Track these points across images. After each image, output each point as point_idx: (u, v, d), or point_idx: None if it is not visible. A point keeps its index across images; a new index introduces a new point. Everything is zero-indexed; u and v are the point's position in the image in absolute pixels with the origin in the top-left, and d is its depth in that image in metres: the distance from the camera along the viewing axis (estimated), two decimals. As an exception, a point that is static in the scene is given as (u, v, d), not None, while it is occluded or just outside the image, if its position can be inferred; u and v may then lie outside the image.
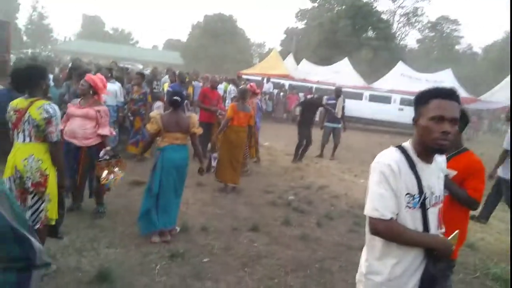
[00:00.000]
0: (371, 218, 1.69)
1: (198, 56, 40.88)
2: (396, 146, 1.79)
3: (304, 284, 3.53)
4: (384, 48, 32.73)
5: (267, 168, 7.93)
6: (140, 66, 26.14)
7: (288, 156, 9.26)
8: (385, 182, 1.66)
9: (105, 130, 4.40)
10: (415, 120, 1.76)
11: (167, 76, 11.09)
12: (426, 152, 1.74)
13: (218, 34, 42.15)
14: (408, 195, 1.68)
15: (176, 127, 4.10)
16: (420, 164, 1.73)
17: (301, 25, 44.64)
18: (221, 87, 12.83)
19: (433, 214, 1.76)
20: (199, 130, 4.26)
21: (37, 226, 3.03)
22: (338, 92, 9.44)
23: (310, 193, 6.51)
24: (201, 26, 44.73)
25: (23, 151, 3.01)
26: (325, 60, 28.10)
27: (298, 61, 25.19)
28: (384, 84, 20.96)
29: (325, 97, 9.97)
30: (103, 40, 55.41)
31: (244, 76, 17.71)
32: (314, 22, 37.88)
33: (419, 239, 1.69)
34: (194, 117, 4.31)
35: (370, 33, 36.22)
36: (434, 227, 1.76)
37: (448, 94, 1.69)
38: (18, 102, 3.07)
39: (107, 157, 4.23)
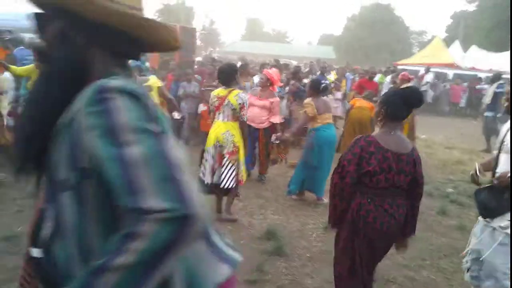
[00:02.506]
0: None
1: (352, 48, 40.35)
2: None
3: (458, 269, 3.50)
4: None
5: (423, 161, 7.60)
6: (295, 62, 27.48)
7: (448, 149, 8.69)
8: None
9: (276, 119, 5.23)
10: None
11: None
12: None
13: (373, 24, 40.75)
14: None
15: (326, 109, 4.78)
16: None
17: (471, 7, 39.50)
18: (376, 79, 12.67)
19: None
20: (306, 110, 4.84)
21: (233, 185, 3.98)
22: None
23: (471, 187, 6.02)
24: (356, 18, 43.96)
25: (222, 127, 4.01)
26: (500, 45, 24.35)
27: (466, 48, 22.55)
28: None
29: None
30: (263, 40, 59.72)
31: (400, 67, 16.91)
32: (488, 2, 33.04)
33: None
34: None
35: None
36: None
37: None
38: (219, 91, 4.08)
39: (277, 141, 4.97)
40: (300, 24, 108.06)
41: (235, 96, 3.93)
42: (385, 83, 11.72)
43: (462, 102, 15.09)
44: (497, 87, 8.66)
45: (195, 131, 7.20)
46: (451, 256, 3.74)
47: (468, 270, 2.77)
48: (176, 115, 5.02)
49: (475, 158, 8.08)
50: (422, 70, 16.30)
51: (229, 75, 4.08)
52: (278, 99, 5.35)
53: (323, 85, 4.90)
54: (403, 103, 2.36)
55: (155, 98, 4.90)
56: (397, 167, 2.29)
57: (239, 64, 10.81)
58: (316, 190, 4.86)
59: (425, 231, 4.33)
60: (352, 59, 32.84)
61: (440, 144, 9.36)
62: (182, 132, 5.09)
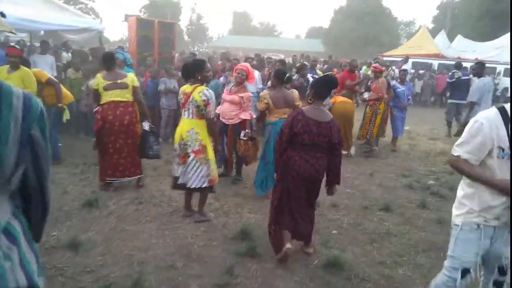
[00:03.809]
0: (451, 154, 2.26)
1: (340, 41, 40.23)
2: (497, 107, 2.10)
3: (435, 264, 3.42)
4: None
5: (406, 152, 7.59)
6: (282, 56, 27.30)
7: (432, 140, 8.66)
8: (474, 132, 2.10)
9: (246, 114, 4.99)
10: None
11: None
12: None
13: (361, 16, 40.64)
14: (498, 148, 2.04)
15: (285, 103, 4.67)
16: None
17: (457, -3, 39.62)
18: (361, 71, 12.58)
19: None
20: (300, 104, 4.72)
21: (206, 185, 3.92)
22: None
23: (453, 178, 6.01)
24: (344, 10, 43.79)
25: (187, 124, 3.88)
26: (486, 35, 24.45)
27: (452, 38, 22.59)
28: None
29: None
30: (251, 34, 59.36)
31: (386, 58, 16.87)
32: (474, -8, 33.10)
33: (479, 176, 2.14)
34: (295, 92, 4.88)
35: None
36: None
37: None
38: (185, 88, 3.92)
39: (245, 138, 4.83)
40: (288, 17, 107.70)
41: (199, 92, 3.77)
42: (370, 74, 11.66)
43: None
44: (449, 77, 8.93)
45: (175, 127, 7.03)
46: (428, 251, 3.66)
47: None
48: (146, 126, 4.74)
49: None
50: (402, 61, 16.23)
51: (188, 71, 3.94)
52: (249, 93, 5.12)
53: (287, 75, 4.76)
54: (325, 86, 3.31)
55: (127, 96, 4.71)
56: (317, 130, 3.17)
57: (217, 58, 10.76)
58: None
59: (403, 225, 4.27)
60: (340, 52, 32.78)
61: (424, 135, 9.34)
62: (150, 144, 4.74)
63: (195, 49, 43.00)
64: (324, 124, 3.19)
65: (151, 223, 3.98)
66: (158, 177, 5.43)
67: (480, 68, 7.20)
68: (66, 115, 5.58)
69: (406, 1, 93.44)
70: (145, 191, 4.86)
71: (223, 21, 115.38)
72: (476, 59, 17.70)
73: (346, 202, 4.85)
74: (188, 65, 4.08)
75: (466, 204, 2.24)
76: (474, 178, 2.17)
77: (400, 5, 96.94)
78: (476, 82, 7.04)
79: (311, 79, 6.90)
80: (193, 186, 3.90)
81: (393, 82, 7.97)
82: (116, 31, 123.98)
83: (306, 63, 8.34)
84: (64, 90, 5.85)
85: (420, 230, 4.15)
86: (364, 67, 13.88)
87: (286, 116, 4.56)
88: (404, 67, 15.69)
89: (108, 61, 4.70)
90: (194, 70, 3.89)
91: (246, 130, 4.90)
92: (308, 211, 3.44)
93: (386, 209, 4.62)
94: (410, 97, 7.83)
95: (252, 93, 7.63)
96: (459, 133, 7.40)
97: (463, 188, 2.30)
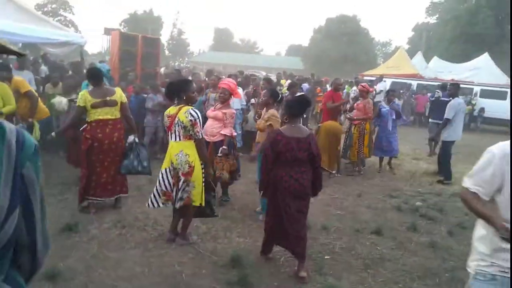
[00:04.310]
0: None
1: (319, 59, 40.95)
2: None
3: (432, 292, 3.36)
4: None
5: (391, 172, 7.60)
6: (263, 73, 27.49)
7: (415, 160, 8.73)
8: (485, 163, 1.92)
9: (226, 130, 4.82)
10: None
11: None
12: None
13: (340, 35, 41.59)
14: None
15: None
16: None
17: (432, 20, 41.20)
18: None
19: None
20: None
21: (179, 204, 3.68)
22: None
23: (440, 200, 6.05)
24: (323, 30, 44.74)
25: (175, 148, 3.68)
26: (459, 56, 25.37)
27: (428, 59, 23.31)
28: (532, 81, 17.93)
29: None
30: (232, 51, 59.76)
31: (366, 78, 17.17)
32: (448, 15, 34.47)
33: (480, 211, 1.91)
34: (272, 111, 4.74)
35: (516, 23, 31.24)
36: None
37: None
38: (170, 109, 3.74)
39: (221, 155, 4.69)
40: (268, 34, 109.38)
41: (185, 113, 3.58)
42: (351, 93, 11.80)
43: (427, 112, 15.39)
44: (431, 96, 9.24)
45: (164, 145, 6.84)
46: (424, 278, 3.57)
47: None
48: (131, 138, 4.60)
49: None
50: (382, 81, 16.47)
51: (173, 91, 3.77)
52: (232, 110, 4.98)
53: (280, 96, 4.79)
54: (299, 105, 3.60)
55: (116, 113, 4.54)
56: (297, 146, 3.38)
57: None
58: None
59: (396, 249, 4.18)
60: (319, 70, 33.30)
61: (407, 154, 9.41)
62: (141, 158, 4.63)
63: (176, 63, 42.81)
64: (303, 139, 3.42)
65: (135, 250, 3.75)
66: (142, 197, 5.17)
67: (455, 89, 7.43)
68: (36, 133, 5.24)
69: (383, 22, 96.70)
70: (128, 213, 4.62)
71: (204, 36, 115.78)
72: (452, 79, 18.28)
73: (337, 224, 4.74)
74: (173, 84, 3.90)
75: (478, 247, 1.98)
76: (475, 213, 1.95)
77: (377, 26, 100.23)
78: (451, 101, 7.26)
79: None
80: (179, 204, 3.73)
81: (380, 103, 8.04)
82: (95, 44, 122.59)
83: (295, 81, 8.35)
84: (41, 104, 5.59)
85: (413, 254, 4.08)
86: (347, 86, 14.07)
87: None
88: (379, 86, 16.05)
89: (95, 76, 4.52)
90: (180, 90, 3.73)
91: (223, 147, 4.76)
92: (299, 227, 3.50)
93: (378, 233, 4.54)
94: (403, 116, 7.83)
95: (236, 109, 7.60)
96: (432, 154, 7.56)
97: (477, 228, 2.05)
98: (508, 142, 1.87)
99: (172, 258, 3.64)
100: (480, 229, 1.99)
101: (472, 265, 2.00)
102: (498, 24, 29.79)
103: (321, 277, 3.47)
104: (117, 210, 4.67)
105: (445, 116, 7.16)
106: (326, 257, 3.89)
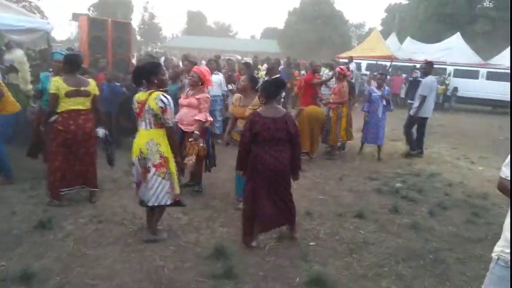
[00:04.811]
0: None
1: (295, 42, 40.75)
2: None
3: (417, 274, 3.37)
4: (504, 19, 28.62)
5: (371, 155, 7.64)
6: (239, 57, 27.07)
7: (393, 141, 8.81)
8: None
9: (201, 116, 4.63)
10: None
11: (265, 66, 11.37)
12: None
13: (314, 18, 41.41)
14: None
15: None
16: None
17: (404, 0, 41.53)
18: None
19: None
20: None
21: (169, 202, 3.59)
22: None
23: (419, 180, 6.12)
24: (297, 12, 44.40)
25: (145, 136, 3.48)
26: (432, 37, 25.73)
27: (401, 40, 23.51)
28: (503, 60, 18.42)
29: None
30: (206, 34, 58.67)
31: (342, 60, 17.15)
32: (420, -4, 34.79)
33: None
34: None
35: (487, 3, 31.98)
36: None
37: None
38: (140, 95, 3.52)
39: (191, 140, 4.53)
40: (243, 17, 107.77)
41: (155, 99, 3.36)
42: (325, 75, 11.72)
43: (402, 93, 15.58)
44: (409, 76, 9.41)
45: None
46: (408, 260, 3.59)
47: None
48: (100, 132, 4.41)
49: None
50: (357, 62, 16.44)
51: (141, 75, 3.51)
52: (206, 95, 4.78)
53: (259, 84, 4.66)
54: (275, 87, 3.67)
55: (87, 104, 4.33)
56: (274, 126, 3.49)
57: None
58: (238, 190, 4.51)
59: (379, 232, 4.19)
60: (295, 53, 33.15)
61: (386, 136, 9.47)
62: (111, 150, 4.55)
63: (149, 49, 41.67)
64: (280, 119, 3.53)
65: (114, 246, 3.60)
66: (119, 190, 5.00)
67: (429, 67, 7.59)
68: None
69: (356, 4, 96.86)
70: (105, 207, 4.44)
71: (177, 21, 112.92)
72: (426, 60, 18.54)
73: (319, 209, 4.72)
74: (140, 68, 3.62)
75: (506, 234, 1.99)
76: None
77: (350, 7, 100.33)
78: (425, 78, 7.42)
79: None
80: (156, 204, 3.56)
81: (370, 87, 7.98)
82: (63, 30, 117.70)
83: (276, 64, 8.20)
84: (9, 96, 5.23)
85: (396, 236, 4.10)
86: (323, 68, 14.00)
87: None
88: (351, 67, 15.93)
89: (74, 63, 4.27)
90: (150, 73, 3.48)
91: (196, 132, 4.58)
92: (284, 195, 3.74)
93: (360, 216, 4.54)
94: (391, 103, 7.44)
95: (217, 95, 7.41)
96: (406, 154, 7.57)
97: (508, 216, 2.03)
98: None
99: (153, 252, 3.51)
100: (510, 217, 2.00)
101: (497, 250, 2.03)
102: (469, 4, 30.35)
103: (307, 264, 3.43)
104: (92, 204, 4.48)
105: (420, 93, 7.30)
106: (310, 243, 3.85)
